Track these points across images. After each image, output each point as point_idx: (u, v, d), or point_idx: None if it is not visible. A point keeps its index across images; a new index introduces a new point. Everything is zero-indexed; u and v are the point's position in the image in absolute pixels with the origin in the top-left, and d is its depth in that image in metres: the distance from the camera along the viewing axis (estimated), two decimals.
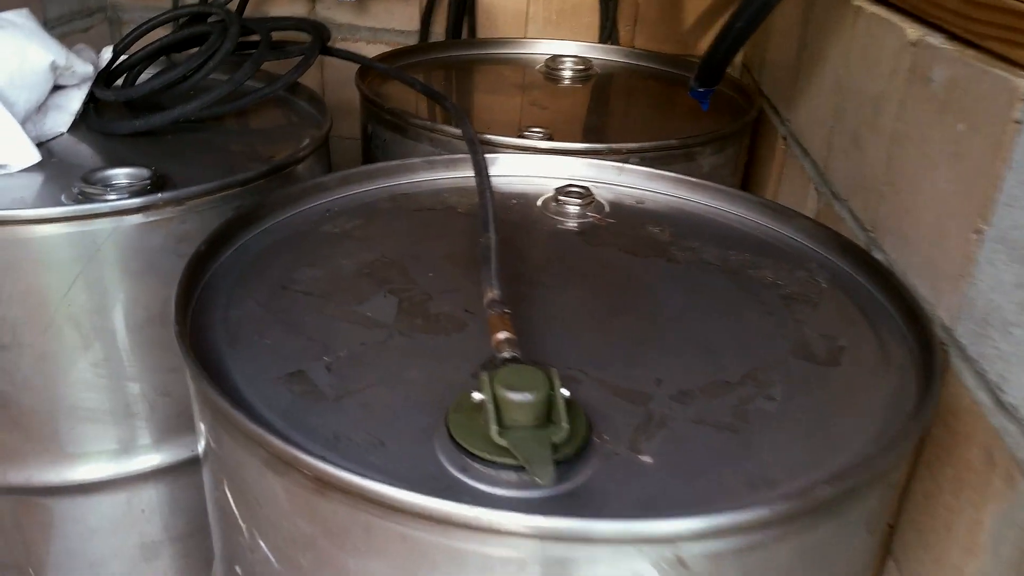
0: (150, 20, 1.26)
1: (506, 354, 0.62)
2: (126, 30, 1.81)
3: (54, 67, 1.07)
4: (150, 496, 1.05)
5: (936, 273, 0.75)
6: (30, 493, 1.01)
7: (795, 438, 0.61)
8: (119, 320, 0.93)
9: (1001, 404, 0.64)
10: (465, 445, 0.56)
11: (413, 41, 1.73)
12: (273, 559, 0.61)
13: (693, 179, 0.99)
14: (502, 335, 0.64)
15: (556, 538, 0.50)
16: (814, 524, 0.54)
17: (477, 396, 0.58)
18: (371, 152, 1.32)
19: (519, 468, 0.55)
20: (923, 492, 0.76)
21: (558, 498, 0.54)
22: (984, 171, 0.67)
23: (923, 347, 0.69)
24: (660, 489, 0.56)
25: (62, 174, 1.01)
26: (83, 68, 1.12)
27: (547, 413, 0.57)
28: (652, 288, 0.83)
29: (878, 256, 0.87)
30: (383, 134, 1.26)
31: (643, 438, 0.60)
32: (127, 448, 1.01)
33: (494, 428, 0.55)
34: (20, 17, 1.08)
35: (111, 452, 1.00)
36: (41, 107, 1.10)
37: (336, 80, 1.77)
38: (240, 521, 0.63)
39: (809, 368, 0.70)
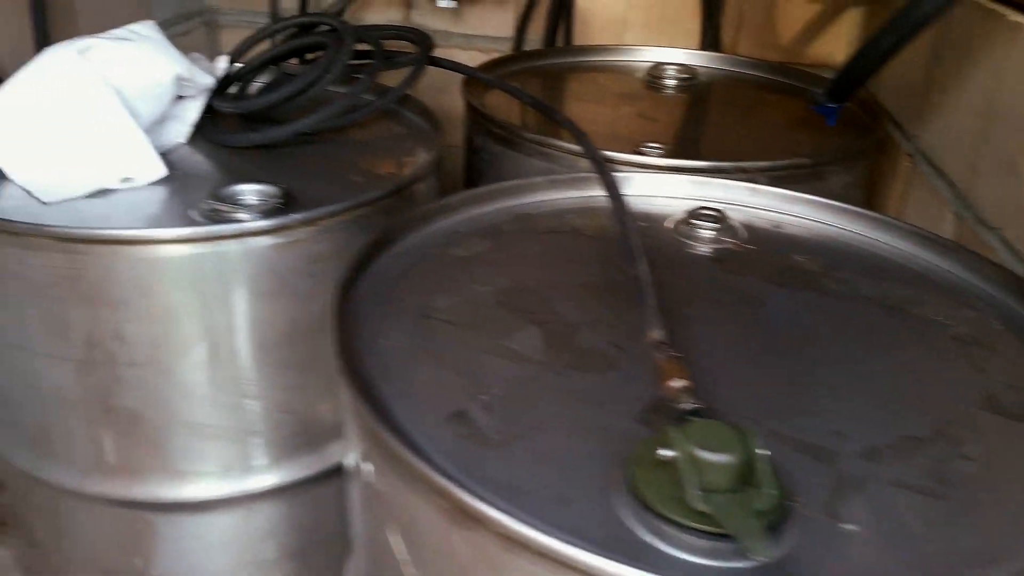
0: (262, 30, 1.24)
1: (687, 406, 0.59)
2: (223, 34, 1.82)
3: (178, 79, 1.06)
4: (268, 514, 1.04)
5: None
6: (153, 509, 1.00)
7: (1004, 507, 0.57)
8: (249, 339, 0.92)
9: None
10: (659, 509, 0.53)
11: (506, 48, 1.70)
12: None
13: (839, 203, 0.93)
14: (678, 383, 0.61)
15: None
16: None
17: (665, 453, 0.54)
18: (476, 165, 1.29)
19: (719, 536, 0.51)
20: None
21: (766, 569, 0.50)
22: None
23: None
24: (871, 562, 0.52)
25: (185, 188, 1.00)
26: (204, 80, 1.10)
27: (744, 476, 0.53)
28: (806, 325, 0.78)
29: None
30: (492, 147, 1.23)
31: (840, 502, 0.56)
32: (246, 466, 1.00)
33: (695, 493, 0.51)
34: (146, 29, 1.07)
35: (231, 470, 0.99)
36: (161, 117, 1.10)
37: (427, 86, 1.74)
38: (401, 562, 0.61)
39: (1002, 423, 0.65)
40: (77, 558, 1.08)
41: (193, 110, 1.15)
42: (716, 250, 0.91)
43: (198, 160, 1.10)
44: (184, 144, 1.13)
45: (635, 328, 0.73)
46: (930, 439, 0.63)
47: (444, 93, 1.44)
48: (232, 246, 0.87)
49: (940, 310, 0.79)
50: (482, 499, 0.51)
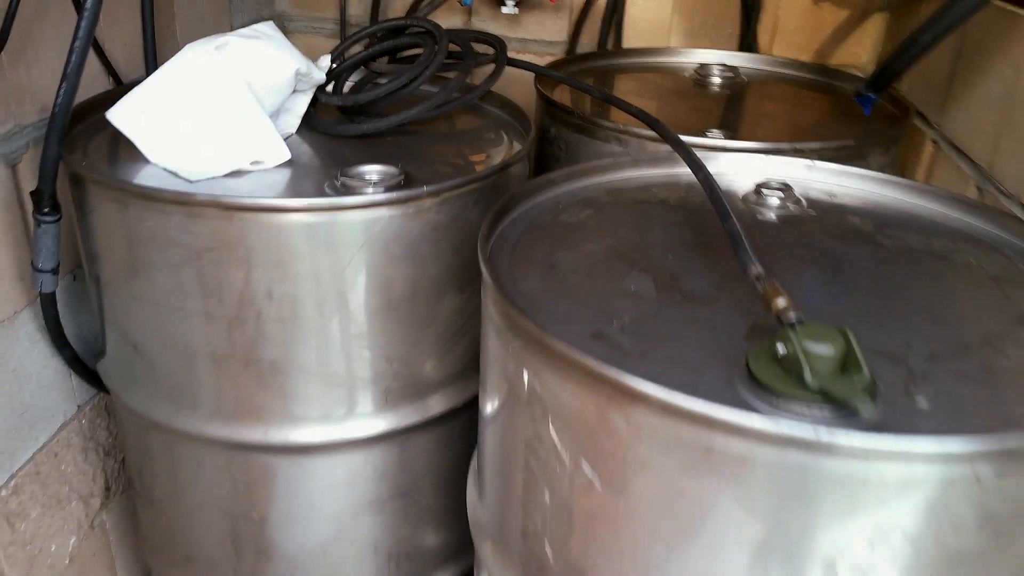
0: (358, 32, 1.42)
1: (792, 315, 0.75)
2: (292, 39, 1.99)
3: (297, 74, 1.23)
4: (381, 456, 1.20)
5: None
6: (281, 452, 1.16)
7: None
8: (380, 298, 1.09)
9: None
10: (778, 388, 0.69)
11: (559, 51, 1.88)
12: (597, 481, 0.75)
13: (883, 175, 1.11)
14: (782, 301, 0.77)
15: (888, 454, 0.62)
16: None
17: (781, 349, 0.71)
18: (550, 153, 1.46)
19: (827, 406, 0.68)
20: None
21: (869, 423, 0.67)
22: None
23: None
24: (941, 427, 0.68)
25: (307, 170, 1.17)
26: (318, 75, 1.27)
27: (842, 366, 0.70)
28: (869, 269, 0.95)
29: None
30: (568, 136, 1.41)
31: (914, 389, 0.73)
32: (365, 411, 1.16)
33: (808, 373, 0.68)
34: (269, 28, 1.24)
35: (360, 414, 1.15)
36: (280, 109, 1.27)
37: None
38: (561, 451, 0.77)
39: None
40: (207, 503, 1.24)
41: (302, 103, 1.32)
42: (782, 216, 1.08)
43: (307, 148, 1.27)
44: (294, 134, 1.30)
45: (729, 275, 0.90)
46: (977, 346, 0.79)
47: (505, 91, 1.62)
48: (367, 214, 1.04)
49: (976, 257, 0.96)
50: (644, 379, 0.68)
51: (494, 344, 0.87)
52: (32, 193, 1.11)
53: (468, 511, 1.05)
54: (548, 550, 0.84)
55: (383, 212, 1.04)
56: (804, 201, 1.11)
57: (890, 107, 1.49)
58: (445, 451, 1.27)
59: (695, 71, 1.68)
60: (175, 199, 1.02)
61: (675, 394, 0.66)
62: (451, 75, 1.31)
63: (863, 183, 1.13)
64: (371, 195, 1.04)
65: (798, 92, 1.63)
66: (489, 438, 0.94)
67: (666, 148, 1.15)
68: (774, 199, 1.10)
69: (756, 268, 0.83)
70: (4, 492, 1.25)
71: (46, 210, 1.11)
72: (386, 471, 1.22)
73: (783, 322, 0.74)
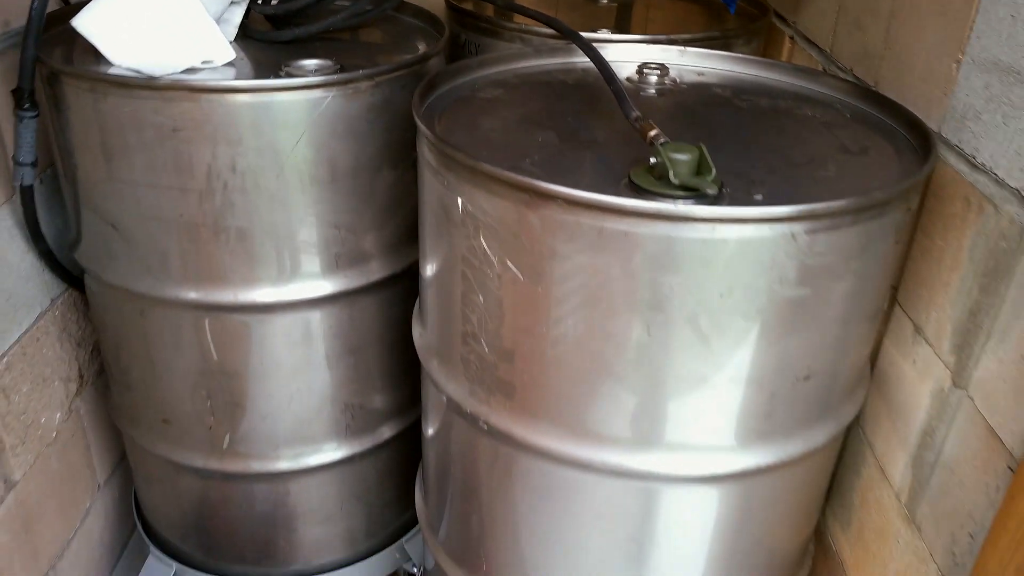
0: None
1: (662, 140, 0.96)
2: None
3: None
4: (335, 315, 1.38)
5: (927, 99, 1.11)
6: (254, 311, 1.32)
7: (849, 185, 0.96)
8: (326, 171, 1.25)
9: (975, 166, 1.00)
10: (651, 187, 0.90)
11: None
12: (520, 274, 0.95)
13: (741, 55, 1.32)
14: (653, 131, 0.98)
15: (729, 220, 0.84)
16: (868, 218, 0.89)
17: (653, 159, 0.92)
18: (462, 56, 1.63)
19: (687, 198, 0.89)
20: (920, 249, 1.13)
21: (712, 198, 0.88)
22: (961, 17, 1.02)
23: (921, 136, 1.04)
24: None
25: (253, 68, 1.31)
26: None
27: (697, 170, 0.91)
28: (726, 123, 1.17)
29: None
30: (477, 40, 1.58)
31: (753, 190, 0.94)
32: (322, 273, 1.33)
33: (671, 173, 0.89)
34: None
35: (314, 276, 1.32)
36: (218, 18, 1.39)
37: None
38: (491, 256, 0.96)
39: (848, 157, 1.05)
40: (183, 366, 1.39)
41: (238, 14, 1.44)
42: (659, 90, 1.28)
43: (246, 52, 1.40)
44: (231, 42, 1.43)
45: (617, 129, 1.10)
46: (804, 164, 1.02)
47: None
48: (313, 94, 1.19)
49: (813, 111, 1.19)
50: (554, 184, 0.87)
51: (431, 185, 1.05)
52: (13, 91, 1.22)
53: (415, 342, 1.23)
54: (484, 345, 1.04)
55: (326, 93, 1.20)
56: (678, 79, 1.32)
57: (751, 8, 1.72)
58: (388, 312, 1.45)
59: None
60: (150, 85, 1.15)
61: (576, 192, 0.87)
62: None
63: (724, 63, 1.34)
64: (317, 77, 1.19)
65: (677, 3, 1.84)
66: (429, 269, 1.13)
67: (563, 44, 1.35)
68: (653, 77, 1.30)
69: (635, 112, 1.04)
70: (0, 366, 1.38)
71: (27, 106, 1.23)
72: (339, 330, 1.40)
73: (654, 143, 0.95)
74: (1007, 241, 0.94)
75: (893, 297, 1.21)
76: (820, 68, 1.51)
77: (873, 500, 1.26)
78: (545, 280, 0.94)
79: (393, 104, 1.28)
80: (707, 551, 1.12)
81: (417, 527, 1.72)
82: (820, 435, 1.06)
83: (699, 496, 1.06)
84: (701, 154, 0.91)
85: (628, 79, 1.31)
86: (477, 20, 1.55)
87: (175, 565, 1.66)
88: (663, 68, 1.31)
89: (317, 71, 1.24)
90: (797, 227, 0.86)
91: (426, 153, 1.05)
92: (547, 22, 1.42)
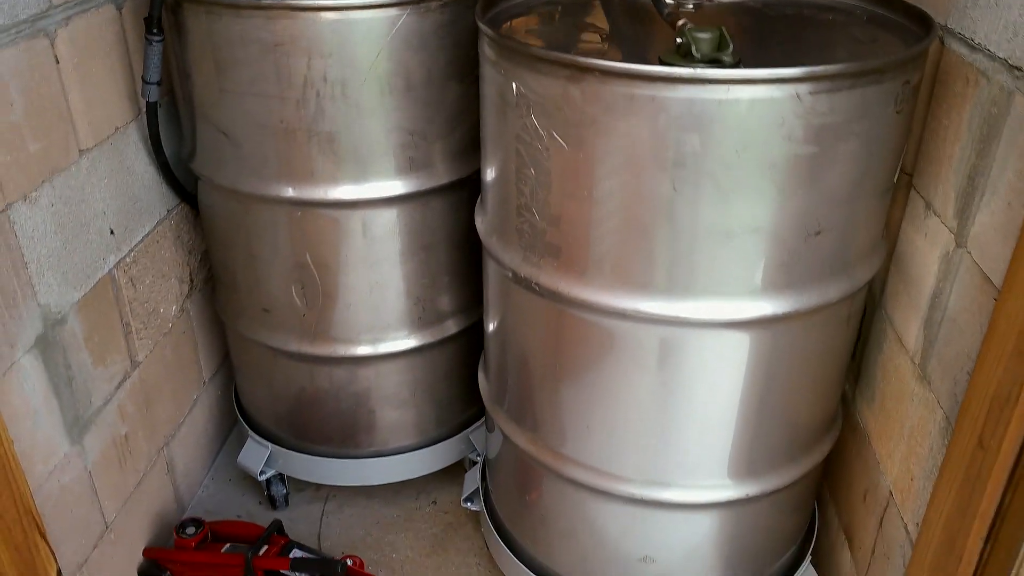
0: None
1: (689, 25, 1.08)
2: None
3: None
4: (409, 213, 1.54)
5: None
6: (339, 207, 1.50)
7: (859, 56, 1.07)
8: (402, 81, 1.41)
9: (973, 47, 1.10)
10: (678, 62, 1.03)
11: None
12: (564, 143, 1.09)
13: None
14: (681, 21, 1.10)
15: (741, 81, 0.96)
16: (865, 83, 1.00)
17: (679, 39, 1.04)
18: None
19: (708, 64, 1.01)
20: (931, 132, 1.22)
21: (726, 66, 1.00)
22: None
23: (924, 25, 1.14)
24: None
25: None
26: None
27: (718, 46, 1.03)
28: (754, 27, 1.28)
29: None
30: None
31: (766, 63, 1.06)
32: (399, 173, 1.49)
33: (694, 49, 1.02)
34: None
35: (392, 175, 1.49)
36: None
37: None
38: (540, 130, 1.10)
39: (858, 45, 1.16)
40: (280, 259, 1.58)
41: None
42: (696, 4, 1.40)
43: None
44: None
45: (656, 33, 1.23)
46: (818, 50, 1.13)
47: None
48: (391, 12, 1.35)
49: (833, 16, 1.29)
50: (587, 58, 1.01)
51: (490, 77, 1.19)
52: (145, 19, 1.42)
53: (478, 229, 1.38)
54: (535, 213, 1.19)
55: (401, 12, 1.36)
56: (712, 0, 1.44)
57: None
58: (455, 216, 1.61)
59: None
60: (256, 5, 1.33)
61: (611, 63, 1.01)
62: None
63: None
64: None
65: None
66: (490, 156, 1.27)
67: None
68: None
69: (667, 8, 1.17)
70: (128, 259, 1.58)
71: (155, 31, 1.42)
72: (411, 227, 1.56)
73: (682, 28, 1.08)
74: (997, 106, 1.04)
75: (909, 183, 1.31)
76: None
77: (892, 370, 1.36)
78: (586, 146, 1.08)
79: (460, 23, 1.43)
80: (737, 400, 1.24)
81: (480, 421, 1.87)
82: (834, 291, 1.17)
83: (725, 342, 1.18)
84: (721, 34, 1.04)
85: (683, 10, 1.43)
86: None
87: (270, 446, 1.86)
88: None
89: None
90: (802, 88, 0.98)
91: (486, 50, 1.19)
92: None
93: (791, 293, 1.14)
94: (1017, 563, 0.97)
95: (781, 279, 1.13)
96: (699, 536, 1.39)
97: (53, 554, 1.34)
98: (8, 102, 1.23)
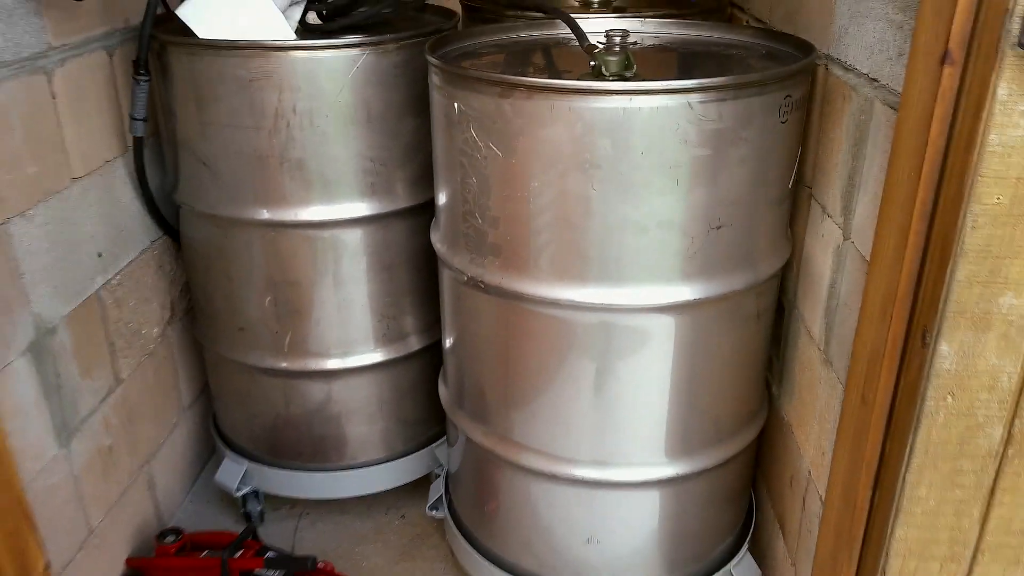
0: None
1: (599, 50, 1.26)
2: None
3: None
4: (372, 234, 1.70)
5: (822, 29, 1.40)
6: (308, 227, 1.65)
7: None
8: (363, 113, 1.58)
9: (847, 68, 1.28)
10: (588, 79, 1.20)
11: None
12: (499, 152, 1.25)
13: (687, 20, 1.63)
14: (597, 49, 1.28)
15: (641, 92, 1.14)
16: (748, 95, 1.17)
17: (593, 63, 1.22)
18: None
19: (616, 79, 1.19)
20: (823, 148, 1.40)
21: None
22: None
23: (804, 52, 1.33)
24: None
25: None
26: None
27: (625, 67, 1.21)
28: (669, 60, 1.47)
29: None
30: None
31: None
32: (362, 197, 1.65)
33: (603, 68, 1.19)
34: None
35: (355, 199, 1.64)
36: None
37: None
38: (479, 142, 1.27)
39: (752, 69, 1.34)
40: (255, 278, 1.71)
41: (298, 12, 1.81)
42: (621, 47, 1.59)
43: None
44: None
45: (580, 66, 1.41)
46: (717, 75, 1.31)
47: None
48: (352, 52, 1.53)
49: (736, 51, 1.49)
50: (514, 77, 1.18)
51: (438, 102, 1.37)
52: (133, 61, 1.59)
53: (433, 244, 1.53)
54: (477, 217, 1.34)
55: (362, 52, 1.54)
56: (638, 42, 1.63)
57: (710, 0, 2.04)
58: (414, 239, 1.76)
59: None
60: (233, 46, 1.51)
61: (533, 79, 1.18)
62: None
63: (675, 27, 1.64)
64: (355, 39, 1.54)
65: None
66: (440, 171, 1.43)
67: (548, 20, 1.67)
68: (616, 38, 1.60)
69: (588, 41, 1.35)
70: (114, 281, 1.72)
71: (142, 71, 1.59)
72: (375, 247, 1.71)
73: (594, 53, 1.26)
74: (864, 114, 1.22)
75: (810, 195, 1.48)
76: (745, 22, 1.81)
77: (805, 362, 1.50)
78: (518, 154, 1.24)
79: (413, 64, 1.61)
80: (668, 383, 1.37)
81: (443, 439, 1.99)
82: (739, 280, 1.32)
83: (652, 326, 1.32)
84: (627, 56, 1.22)
85: (597, 41, 1.63)
86: (483, 12, 1.89)
87: (246, 463, 1.96)
88: (625, 32, 1.61)
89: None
90: (692, 97, 1.15)
91: (434, 78, 1.37)
92: (535, 7, 1.76)
93: (702, 281, 1.29)
94: (895, 504, 1.10)
95: (692, 268, 1.28)
96: (641, 516, 1.50)
97: (42, 546, 1.44)
98: (10, 127, 1.38)
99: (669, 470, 1.44)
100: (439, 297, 1.61)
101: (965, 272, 0.94)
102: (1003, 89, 0.85)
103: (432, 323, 1.88)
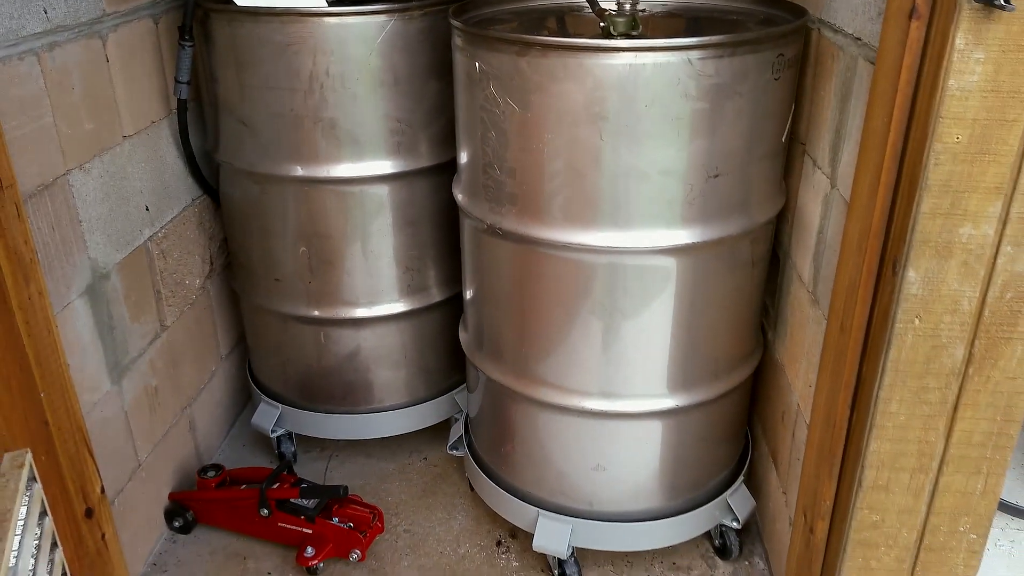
0: None
1: (609, 12, 1.38)
2: None
3: None
4: (398, 190, 1.82)
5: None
6: (339, 183, 1.78)
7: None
8: (390, 76, 1.70)
9: (835, 30, 1.39)
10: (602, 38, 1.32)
11: None
12: (516, 107, 1.37)
13: None
14: (607, 12, 1.40)
15: (645, 49, 1.25)
16: (743, 52, 1.29)
17: (602, 23, 1.34)
18: None
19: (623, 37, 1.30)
20: (815, 106, 1.51)
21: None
22: None
23: (798, 16, 1.44)
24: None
25: None
26: None
27: (632, 27, 1.33)
28: (674, 25, 1.58)
29: None
30: None
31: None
32: (388, 155, 1.78)
33: (612, 28, 1.31)
34: None
35: (383, 156, 1.77)
36: None
37: None
38: (498, 98, 1.39)
39: (748, 30, 1.45)
40: (289, 231, 1.85)
41: None
42: (631, 12, 1.71)
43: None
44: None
45: (592, 31, 1.52)
46: (724, 33, 1.43)
47: None
48: (381, 19, 1.65)
49: (736, 16, 1.60)
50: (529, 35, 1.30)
51: (460, 62, 1.49)
52: (179, 28, 1.72)
53: (456, 198, 1.66)
54: (496, 168, 1.46)
55: (389, 18, 1.66)
56: (647, 9, 1.74)
57: None
58: (437, 195, 1.89)
59: None
60: (271, 12, 1.63)
61: (548, 39, 1.30)
62: None
63: None
64: (383, 7, 1.66)
65: None
66: (461, 127, 1.55)
67: None
68: (627, 6, 1.72)
69: (599, 7, 1.46)
70: (160, 234, 1.86)
71: (187, 37, 1.72)
72: (400, 203, 1.84)
73: (604, 15, 1.37)
74: (849, 71, 1.33)
75: (804, 151, 1.59)
76: None
77: (796, 304, 1.62)
78: (533, 108, 1.36)
79: (438, 29, 1.73)
80: (670, 320, 1.49)
81: (462, 386, 2.12)
82: (734, 226, 1.44)
83: (655, 266, 1.44)
84: (633, 18, 1.33)
85: (609, 9, 1.74)
86: None
87: (280, 407, 2.10)
88: (636, 1, 1.73)
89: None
90: (692, 54, 1.26)
91: (456, 40, 1.49)
92: None
93: (700, 225, 1.41)
94: (870, 420, 1.22)
95: (691, 214, 1.40)
96: (643, 445, 1.63)
97: (98, 470, 1.58)
98: (71, 86, 1.52)
99: (670, 402, 1.57)
100: (459, 250, 1.74)
101: (929, 205, 1.06)
102: (960, 39, 0.96)
103: (452, 276, 2.01)
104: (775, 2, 1.58)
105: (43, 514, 1.24)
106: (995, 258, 1.07)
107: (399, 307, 1.95)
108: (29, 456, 1.25)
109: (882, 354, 1.17)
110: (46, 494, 1.36)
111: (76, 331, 1.58)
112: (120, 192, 1.70)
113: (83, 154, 1.57)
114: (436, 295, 2.00)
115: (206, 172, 2.01)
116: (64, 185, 1.52)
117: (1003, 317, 1.10)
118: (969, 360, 1.15)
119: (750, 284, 1.58)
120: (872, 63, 1.24)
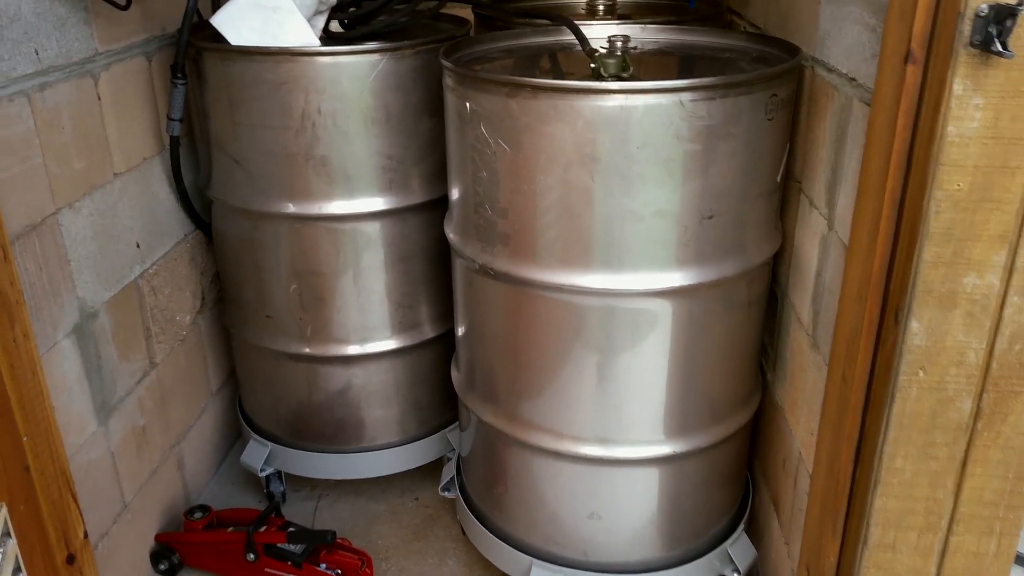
0: None
1: (600, 54, 1.34)
2: None
3: (319, 2, 1.82)
4: (390, 227, 1.78)
5: (808, 34, 1.47)
6: (331, 220, 1.74)
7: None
8: (382, 113, 1.67)
9: (829, 69, 1.36)
10: (595, 78, 1.29)
11: None
12: (507, 147, 1.33)
13: (684, 26, 1.71)
14: (597, 53, 1.37)
15: (636, 91, 1.22)
16: (735, 94, 1.25)
17: (593, 65, 1.30)
18: None
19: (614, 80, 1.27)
20: (810, 145, 1.48)
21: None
22: None
23: (790, 54, 1.40)
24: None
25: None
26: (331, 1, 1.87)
27: (622, 68, 1.29)
28: (666, 63, 1.55)
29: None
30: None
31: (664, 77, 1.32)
32: (380, 192, 1.74)
33: (602, 70, 1.27)
34: None
35: (374, 194, 1.73)
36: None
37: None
38: (488, 138, 1.35)
39: (741, 70, 1.42)
40: (281, 268, 1.81)
41: (322, 21, 1.91)
42: (622, 51, 1.68)
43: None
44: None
45: (582, 70, 1.50)
46: (713, 74, 1.39)
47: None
48: (373, 57, 1.63)
49: (729, 55, 1.57)
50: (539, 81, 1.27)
51: (451, 102, 1.45)
52: (171, 66, 1.69)
53: (447, 236, 1.62)
54: (488, 208, 1.43)
55: (381, 57, 1.63)
56: (638, 47, 1.71)
57: (708, 6, 2.12)
58: (429, 232, 1.85)
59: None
60: (263, 51, 1.60)
61: (539, 80, 1.26)
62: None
63: (673, 33, 1.73)
64: (375, 46, 1.63)
65: (654, 6, 2.25)
66: (453, 168, 1.52)
67: (554, 28, 1.76)
68: (618, 43, 1.69)
69: (589, 47, 1.43)
70: (151, 270, 1.82)
71: (179, 75, 1.69)
72: (392, 240, 1.80)
73: (594, 56, 1.34)
74: (844, 111, 1.29)
75: (800, 189, 1.55)
76: (742, 27, 1.89)
77: (796, 348, 1.57)
78: (524, 148, 1.32)
79: (430, 68, 1.70)
80: (666, 364, 1.44)
81: (455, 424, 2.07)
82: (730, 268, 1.39)
83: (650, 309, 1.39)
84: (624, 59, 1.30)
85: (599, 47, 1.71)
86: (494, 19, 1.98)
87: (270, 445, 2.05)
88: (626, 38, 1.69)
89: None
90: (684, 96, 1.23)
91: (447, 80, 1.45)
92: (542, 15, 1.85)
93: (695, 267, 1.37)
94: (874, 475, 1.17)
95: (686, 255, 1.35)
96: (640, 493, 1.57)
97: (81, 515, 1.53)
98: (61, 126, 1.49)
99: (667, 448, 1.51)
100: (451, 287, 1.69)
101: (931, 254, 1.02)
102: (958, 85, 0.92)
103: (445, 313, 1.96)
104: (768, 40, 1.55)
105: (17, 571, 1.19)
106: (1001, 309, 1.02)
107: (391, 344, 1.91)
108: (4, 510, 1.21)
109: (886, 407, 1.12)
110: (24, 542, 1.31)
111: (62, 372, 1.54)
112: (110, 230, 1.67)
113: (73, 193, 1.54)
114: (429, 331, 1.96)
115: (198, 207, 1.98)
116: (53, 225, 1.49)
117: (1012, 370, 1.05)
118: (978, 414, 1.10)
119: (747, 326, 1.53)
120: (867, 104, 1.20)
